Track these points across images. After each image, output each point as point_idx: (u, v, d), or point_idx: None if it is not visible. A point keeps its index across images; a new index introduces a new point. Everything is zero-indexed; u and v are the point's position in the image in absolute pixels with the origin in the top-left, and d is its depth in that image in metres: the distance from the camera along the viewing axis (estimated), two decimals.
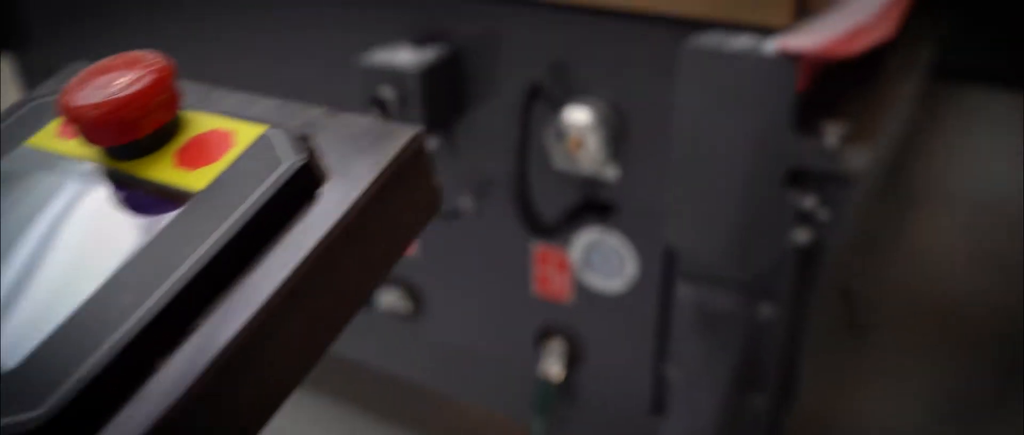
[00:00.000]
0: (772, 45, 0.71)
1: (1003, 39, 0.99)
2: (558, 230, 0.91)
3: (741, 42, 0.73)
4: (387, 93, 0.86)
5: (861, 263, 1.85)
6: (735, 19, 0.75)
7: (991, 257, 1.93)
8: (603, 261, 1.01)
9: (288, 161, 0.26)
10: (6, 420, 0.21)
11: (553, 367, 1.09)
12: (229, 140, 0.27)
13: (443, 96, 0.90)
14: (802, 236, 0.79)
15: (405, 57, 0.87)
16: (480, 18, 0.88)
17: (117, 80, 0.27)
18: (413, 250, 1.15)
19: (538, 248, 1.06)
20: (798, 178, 0.77)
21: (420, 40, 0.89)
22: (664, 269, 0.99)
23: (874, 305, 1.72)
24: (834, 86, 0.80)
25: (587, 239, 1.01)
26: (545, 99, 0.86)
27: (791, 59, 0.70)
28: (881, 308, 1.73)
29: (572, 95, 0.86)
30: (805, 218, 0.79)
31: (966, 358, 1.63)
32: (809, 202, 0.77)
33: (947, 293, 1.81)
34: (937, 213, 2.12)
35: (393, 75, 0.86)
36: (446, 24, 0.90)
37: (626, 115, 0.85)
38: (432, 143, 0.96)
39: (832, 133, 0.72)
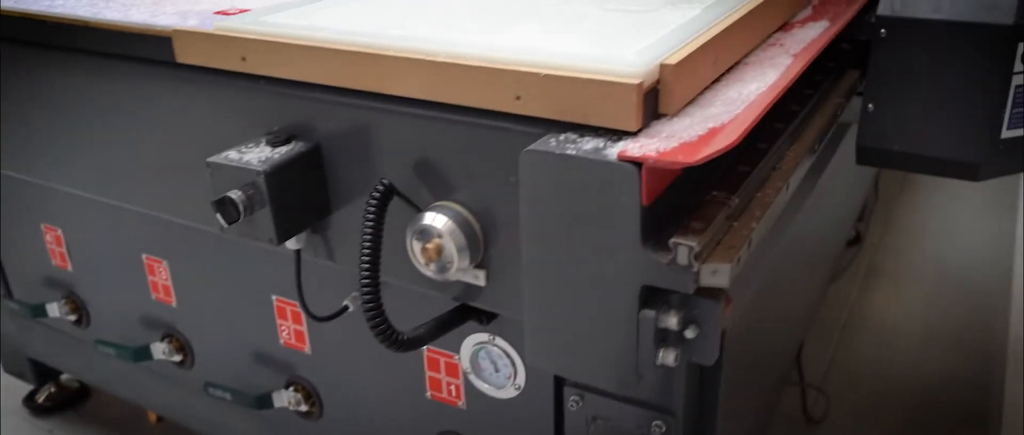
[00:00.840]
0: (614, 150, 0.64)
1: (916, 125, 0.92)
2: (420, 341, 0.83)
3: (583, 146, 0.66)
4: (235, 194, 0.80)
5: (821, 348, 1.77)
6: (588, 122, 0.68)
7: (951, 333, 1.85)
8: (491, 367, 0.94)
9: None
10: None
11: None
12: None
13: (299, 196, 0.83)
14: (668, 357, 0.71)
15: (255, 156, 0.81)
16: (342, 115, 0.82)
17: None
18: (305, 348, 1.09)
19: (427, 351, 0.98)
20: (656, 296, 0.69)
21: (280, 139, 0.83)
22: (555, 377, 0.91)
23: (828, 394, 1.62)
24: (694, 197, 0.72)
25: (473, 344, 0.93)
26: (406, 202, 0.80)
27: (635, 166, 0.63)
28: (835, 397, 1.64)
29: (432, 197, 0.80)
30: (670, 337, 0.71)
31: None
32: (671, 321, 0.69)
33: (906, 374, 1.73)
34: (900, 288, 2.06)
35: (239, 175, 0.80)
36: (307, 122, 0.84)
37: (489, 219, 0.78)
38: (300, 241, 0.90)
39: (683, 251, 0.64)
